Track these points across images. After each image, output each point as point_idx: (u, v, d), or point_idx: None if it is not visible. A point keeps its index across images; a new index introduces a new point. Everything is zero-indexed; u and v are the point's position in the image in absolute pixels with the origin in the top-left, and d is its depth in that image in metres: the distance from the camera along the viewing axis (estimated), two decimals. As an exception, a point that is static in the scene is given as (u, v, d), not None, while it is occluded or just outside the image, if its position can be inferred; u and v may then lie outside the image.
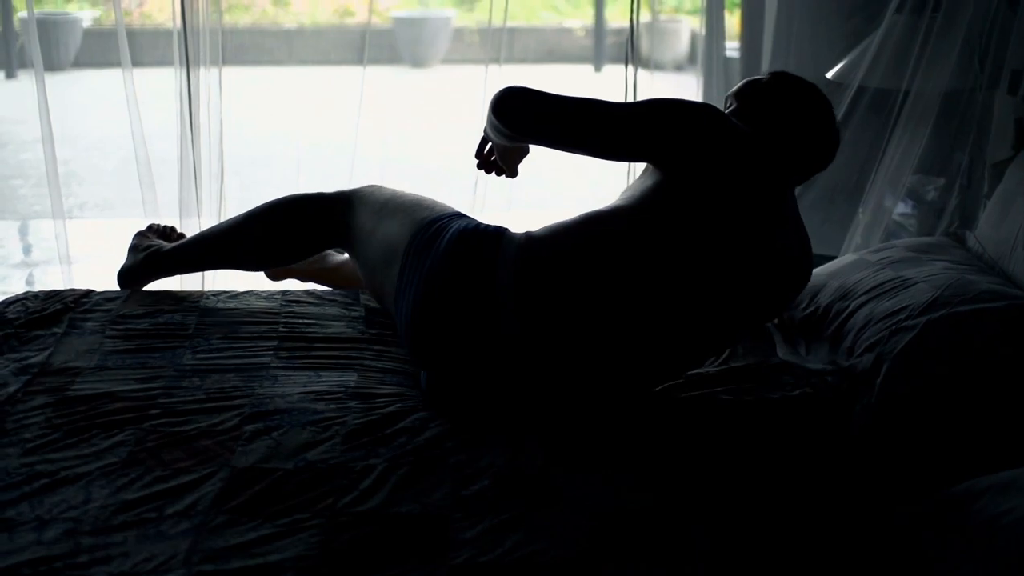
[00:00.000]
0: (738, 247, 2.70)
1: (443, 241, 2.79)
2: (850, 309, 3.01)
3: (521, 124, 2.80)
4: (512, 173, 3.02)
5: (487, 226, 2.84)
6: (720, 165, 2.71)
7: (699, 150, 2.71)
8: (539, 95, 2.77)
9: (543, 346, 2.67)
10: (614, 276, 2.67)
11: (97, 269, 5.36)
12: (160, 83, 5.33)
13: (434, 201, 3.05)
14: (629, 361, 2.72)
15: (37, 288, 5.47)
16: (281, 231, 3.28)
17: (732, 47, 5.41)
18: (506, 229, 2.83)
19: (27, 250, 6.53)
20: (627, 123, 2.77)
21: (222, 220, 4.63)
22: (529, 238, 2.76)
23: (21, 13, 11.36)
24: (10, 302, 3.27)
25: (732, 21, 5.96)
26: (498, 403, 2.71)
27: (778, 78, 2.96)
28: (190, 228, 4.67)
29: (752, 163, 2.76)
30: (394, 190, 3.17)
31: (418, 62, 12.46)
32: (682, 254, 2.67)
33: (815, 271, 3.27)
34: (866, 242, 4.11)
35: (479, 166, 3.05)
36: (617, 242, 2.69)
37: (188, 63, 4.57)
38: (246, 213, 3.35)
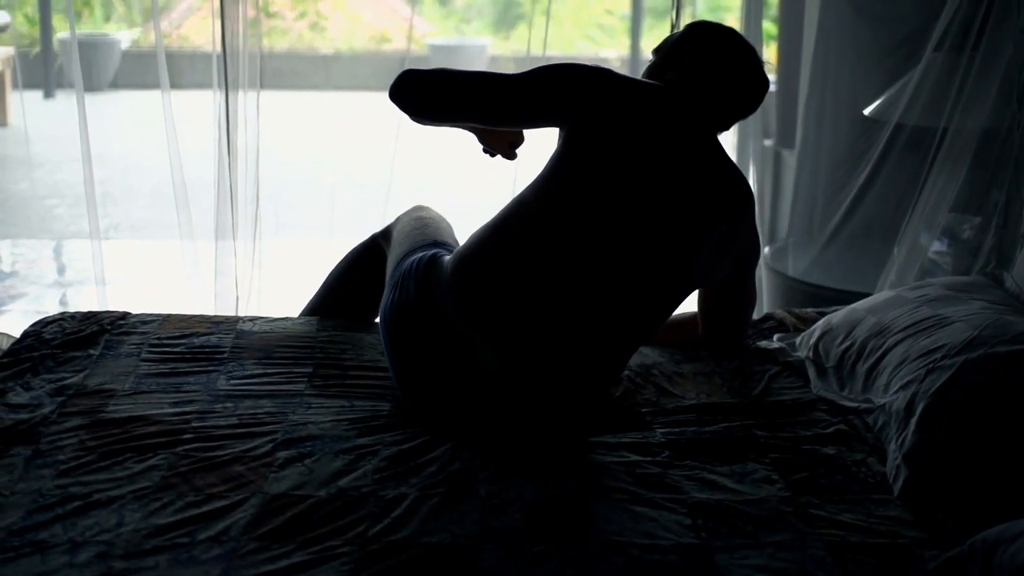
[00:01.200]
0: (654, 198, 2.75)
1: (397, 279, 2.86)
2: (886, 346, 2.99)
3: (417, 106, 2.85)
4: (508, 156, 3.03)
5: (432, 254, 2.87)
6: (617, 120, 2.77)
7: (594, 105, 2.77)
8: (431, 75, 2.83)
9: (502, 349, 2.66)
10: (543, 261, 2.69)
11: (131, 290, 5.38)
12: (196, 105, 5.35)
13: (424, 228, 3.13)
14: (587, 333, 2.71)
15: (70, 308, 5.50)
16: (354, 285, 3.43)
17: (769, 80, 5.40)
18: (442, 255, 2.85)
19: (61, 270, 6.55)
20: (523, 88, 2.82)
21: (257, 243, 4.67)
22: (457, 258, 2.78)
23: (60, 34, 11.44)
24: (47, 322, 3.29)
25: (768, 53, 5.95)
26: (479, 418, 2.70)
27: (692, 27, 3.02)
28: (225, 251, 4.68)
29: (658, 115, 2.81)
30: (409, 216, 3.26)
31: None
32: (599, 215, 2.72)
33: (852, 307, 3.25)
34: (901, 280, 4.10)
35: (484, 151, 3.08)
36: (535, 226, 2.73)
37: (227, 86, 4.59)
38: (332, 273, 3.49)
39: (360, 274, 3.39)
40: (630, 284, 2.73)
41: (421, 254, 2.90)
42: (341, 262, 3.48)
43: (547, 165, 2.82)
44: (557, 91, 2.80)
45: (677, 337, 3.33)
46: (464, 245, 2.81)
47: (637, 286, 2.74)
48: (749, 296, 3.18)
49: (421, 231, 3.12)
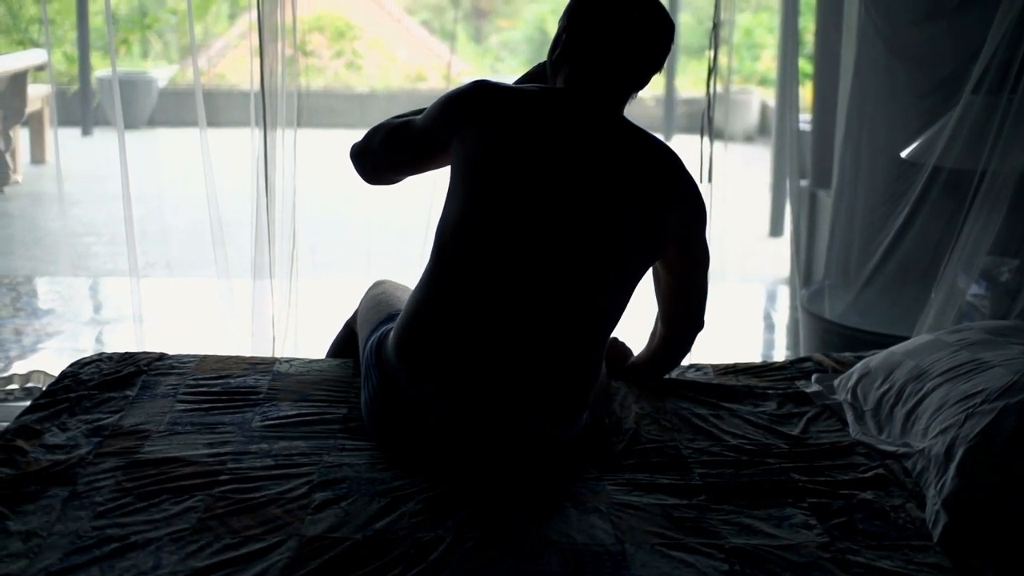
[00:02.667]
0: (569, 201, 2.66)
1: (363, 374, 2.89)
2: (925, 390, 2.97)
3: (367, 179, 3.03)
4: None
5: (380, 334, 2.88)
6: (510, 133, 2.69)
7: (482, 127, 2.71)
8: (356, 149, 2.99)
9: (468, 400, 2.64)
10: (478, 296, 2.66)
11: (168, 328, 5.40)
12: (233, 143, 5.37)
13: (378, 307, 3.14)
14: (543, 353, 2.67)
15: (106, 346, 5.52)
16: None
17: (804, 119, 5.40)
18: (390, 330, 2.83)
19: (97, 308, 6.57)
20: (422, 133, 2.85)
21: (293, 282, 4.68)
22: (398, 327, 2.77)
23: (98, 72, 11.51)
24: (85, 363, 3.30)
25: (804, 93, 5.95)
26: (482, 473, 2.67)
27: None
28: (262, 290, 4.69)
29: (550, 117, 2.72)
30: (366, 299, 3.29)
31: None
32: (520, 233, 2.66)
33: (891, 350, 3.24)
34: (938, 323, 4.07)
35: None
36: (461, 263, 2.69)
37: (265, 124, 4.61)
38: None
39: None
40: (570, 291, 2.68)
41: (373, 338, 2.90)
42: (332, 347, 3.53)
43: (450, 201, 2.76)
44: (442, 125, 2.80)
45: (648, 364, 3.31)
46: (403, 310, 2.79)
47: (577, 291, 2.68)
48: (702, 263, 3.03)
49: (375, 311, 3.12)
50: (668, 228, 2.81)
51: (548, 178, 2.67)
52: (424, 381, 2.67)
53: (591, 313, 2.72)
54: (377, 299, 3.21)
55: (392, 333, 2.78)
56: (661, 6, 2.79)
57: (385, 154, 2.95)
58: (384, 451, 2.76)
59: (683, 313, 3.11)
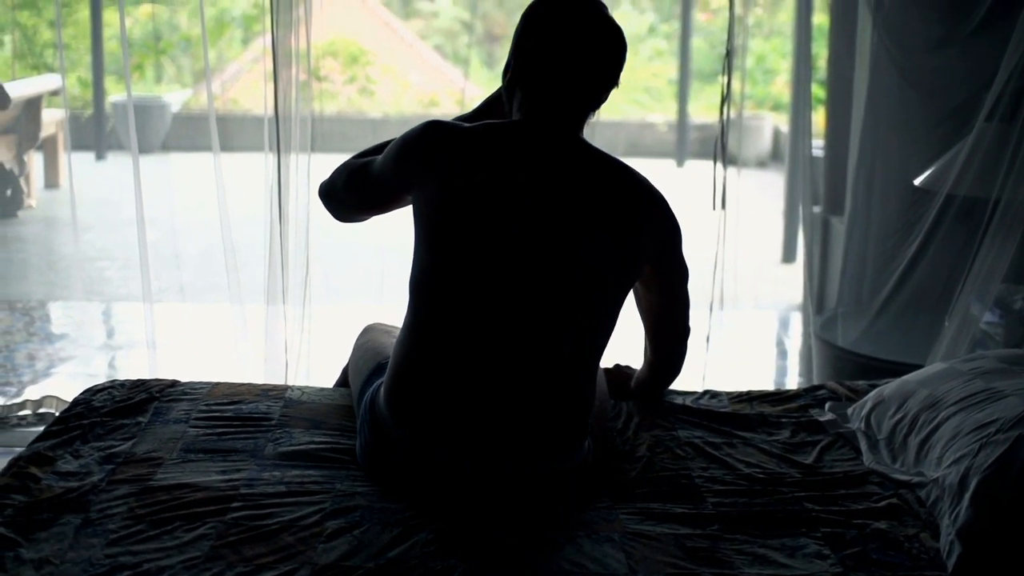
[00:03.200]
0: (537, 234, 2.62)
1: (357, 426, 2.91)
2: (939, 419, 2.96)
3: (333, 214, 3.04)
4: None
5: (372, 391, 2.86)
6: (467, 174, 2.65)
7: (440, 170, 2.67)
8: (323, 190, 3.01)
9: (464, 447, 2.63)
10: (460, 339, 2.65)
11: (181, 353, 5.40)
12: (246, 168, 5.38)
13: (365, 356, 3.14)
14: (532, 388, 2.65)
15: (119, 371, 5.53)
16: None
17: (817, 145, 5.39)
18: (380, 385, 2.82)
19: (110, 333, 6.58)
20: (379, 177, 2.84)
21: (307, 308, 4.69)
22: (387, 385, 2.75)
23: (112, 97, 11.54)
24: (97, 390, 3.30)
25: (816, 119, 5.95)
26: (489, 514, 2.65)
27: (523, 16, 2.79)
28: (275, 315, 4.70)
29: (505, 152, 2.67)
30: (355, 348, 3.30)
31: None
32: (493, 271, 2.63)
33: (904, 378, 3.23)
34: (952, 351, 4.06)
35: None
36: (438, 311, 2.67)
37: (279, 149, 4.62)
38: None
39: None
40: (546, 323, 2.64)
41: (367, 394, 2.89)
42: (337, 383, 3.51)
43: (416, 251, 2.73)
44: (396, 173, 2.79)
45: (647, 382, 3.31)
46: (390, 365, 2.77)
47: (553, 321, 2.65)
48: (683, 285, 2.99)
49: (365, 360, 3.12)
50: (643, 250, 2.76)
51: (502, 213, 2.63)
52: (418, 434, 2.66)
53: (573, 342, 2.69)
54: (365, 348, 3.21)
55: (382, 389, 2.78)
56: (609, 20, 2.73)
57: (348, 197, 2.95)
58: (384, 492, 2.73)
59: (668, 327, 3.09)
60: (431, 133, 2.72)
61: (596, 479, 2.83)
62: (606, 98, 2.80)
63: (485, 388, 2.63)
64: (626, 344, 3.29)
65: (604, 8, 2.75)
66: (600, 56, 2.72)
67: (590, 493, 2.77)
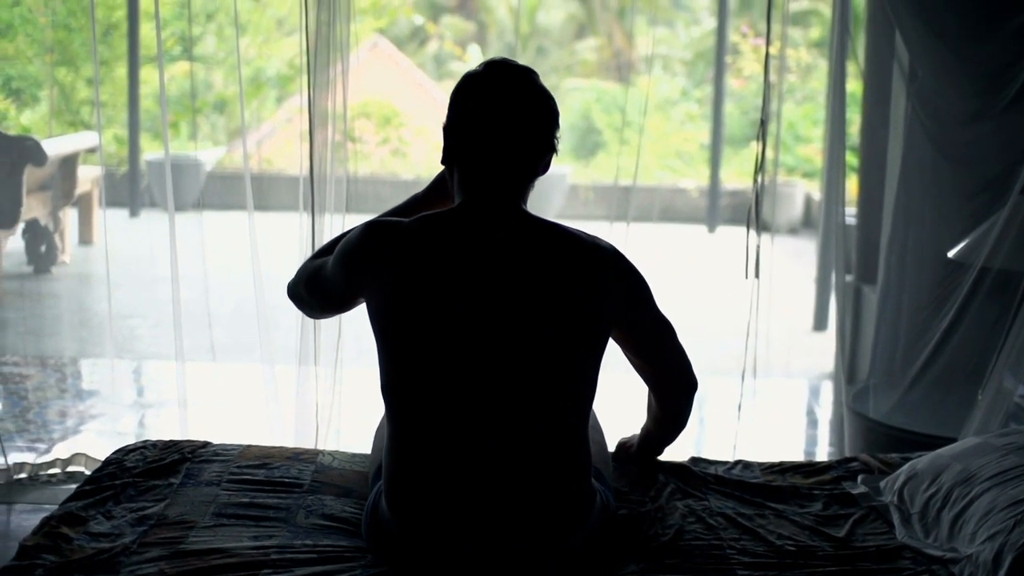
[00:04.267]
0: (497, 313, 2.61)
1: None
2: (973, 494, 2.95)
3: (303, 311, 3.07)
4: None
5: (376, 490, 2.83)
6: (413, 269, 2.64)
7: (386, 269, 2.66)
8: (290, 292, 3.03)
9: (466, 538, 2.62)
10: (445, 436, 2.63)
11: (211, 413, 5.41)
12: (278, 228, 5.41)
13: (372, 463, 3.10)
14: (525, 467, 2.64)
15: (149, 430, 5.54)
16: None
17: (849, 213, 5.39)
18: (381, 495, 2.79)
19: (140, 391, 6.59)
20: (329, 281, 2.85)
21: (338, 369, 4.70)
22: (383, 489, 2.75)
23: (147, 155, 11.64)
24: (129, 450, 3.30)
25: (849, 186, 5.94)
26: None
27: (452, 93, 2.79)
28: (307, 377, 4.71)
29: (446, 239, 2.67)
30: (375, 436, 3.22)
31: (535, 216, 12.50)
32: (467, 358, 2.62)
33: (938, 452, 3.22)
34: (986, 425, 4.04)
35: None
36: (416, 412, 2.66)
37: (314, 209, 4.64)
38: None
39: None
40: (518, 400, 2.62)
41: (370, 500, 2.87)
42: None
43: (379, 356, 2.72)
44: (344, 279, 2.79)
45: (653, 434, 3.25)
46: (383, 474, 2.77)
47: (525, 397, 2.63)
48: (665, 335, 2.94)
49: (372, 462, 3.10)
50: (605, 308, 2.72)
51: (448, 303, 2.62)
52: (417, 532, 2.66)
53: (550, 412, 2.67)
54: (374, 445, 3.17)
55: (382, 496, 2.76)
56: (534, 87, 2.72)
57: (311, 300, 2.96)
58: None
59: (670, 382, 3.02)
60: (368, 238, 2.72)
61: (624, 539, 2.83)
62: (545, 165, 2.78)
63: (474, 478, 2.62)
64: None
65: (532, 75, 2.73)
66: (528, 125, 2.71)
67: (618, 554, 2.76)
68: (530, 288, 2.63)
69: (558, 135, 2.76)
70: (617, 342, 2.88)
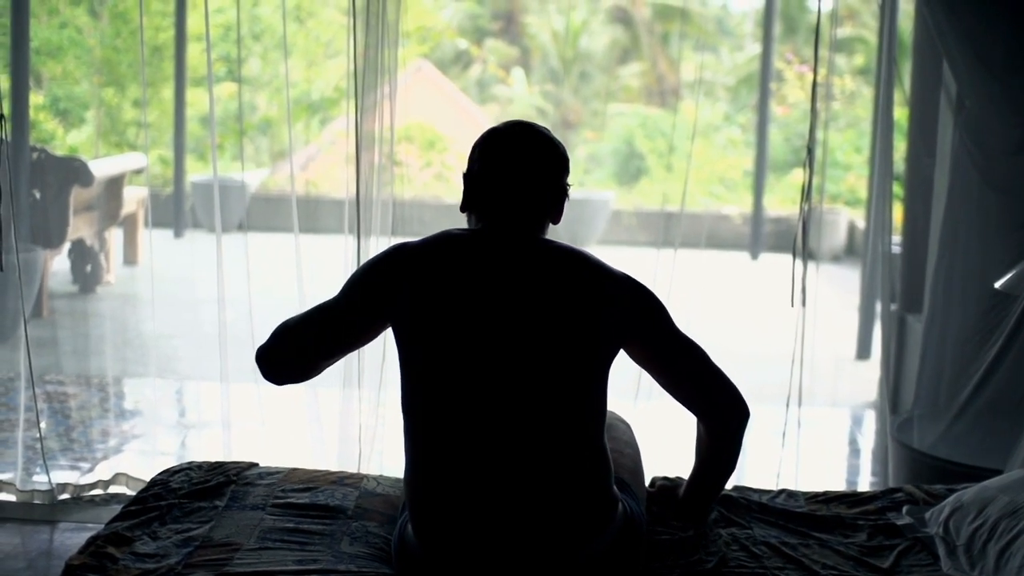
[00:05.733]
0: (516, 330, 2.70)
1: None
2: (1020, 527, 2.93)
3: (272, 374, 2.96)
4: None
5: (403, 519, 2.87)
6: (437, 290, 2.72)
7: (409, 289, 2.74)
8: (271, 342, 2.92)
9: (492, 548, 2.67)
10: (467, 457, 2.68)
11: (253, 435, 5.42)
12: (320, 250, 5.43)
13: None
14: (546, 481, 2.68)
15: (189, 450, 5.56)
16: None
17: (894, 241, 5.37)
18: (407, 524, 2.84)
19: (182, 412, 6.61)
20: (342, 309, 2.85)
21: (382, 392, 4.70)
22: (409, 515, 2.79)
23: (192, 176, 11.71)
24: (175, 471, 3.32)
25: (896, 214, 5.93)
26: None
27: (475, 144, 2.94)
28: (350, 399, 4.72)
29: (467, 262, 2.76)
30: None
31: (575, 242, 12.50)
32: (457, 375, 2.70)
33: (984, 484, 3.20)
34: (1032, 456, 4.03)
35: None
36: (439, 437, 2.72)
37: (359, 232, 4.66)
38: None
39: None
40: (533, 412, 2.69)
41: (398, 527, 2.90)
42: None
43: (402, 378, 2.79)
44: (365, 296, 2.82)
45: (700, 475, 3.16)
46: (405, 498, 2.82)
47: (540, 410, 2.70)
48: (691, 352, 2.92)
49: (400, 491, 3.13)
50: (611, 326, 2.77)
51: (468, 317, 2.71)
52: (448, 562, 2.70)
53: (567, 423, 2.72)
54: None
55: (408, 522, 2.81)
56: (545, 136, 2.88)
57: (298, 345, 2.89)
58: None
59: (704, 404, 2.97)
60: (394, 256, 2.82)
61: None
62: (559, 211, 2.93)
63: (493, 492, 2.66)
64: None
65: (542, 130, 2.90)
66: (536, 167, 2.86)
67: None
68: (539, 303, 2.72)
69: (568, 180, 2.93)
70: (640, 362, 2.92)
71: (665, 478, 3.42)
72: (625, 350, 2.84)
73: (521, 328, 2.70)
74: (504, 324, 2.70)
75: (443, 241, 2.80)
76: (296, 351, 2.89)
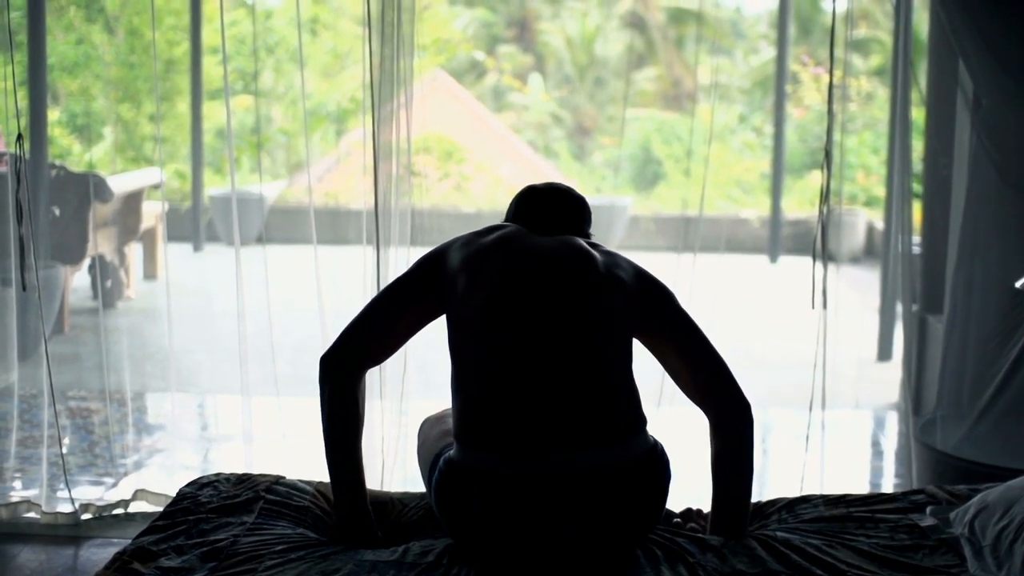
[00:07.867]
0: (554, 313, 2.98)
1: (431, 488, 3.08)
2: (1046, 527, 2.92)
3: (334, 370, 3.21)
4: None
5: (443, 459, 3.02)
6: (483, 263, 3.04)
7: (461, 267, 3.06)
8: (335, 349, 3.20)
9: (533, 509, 2.84)
10: (500, 378, 2.95)
11: (275, 448, 5.43)
12: (339, 261, 5.43)
13: (429, 445, 3.27)
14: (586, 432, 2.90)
15: (212, 464, 5.56)
16: None
17: (913, 242, 5.35)
18: (446, 451, 3.05)
19: (204, 425, 6.62)
20: (402, 282, 3.17)
21: (403, 403, 4.71)
22: (454, 430, 3.01)
23: (209, 189, 11.73)
24: (203, 484, 3.31)
25: (915, 213, 5.91)
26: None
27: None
28: (372, 410, 4.71)
29: (506, 240, 3.09)
30: (419, 444, 3.42)
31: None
32: (509, 320, 2.98)
33: (1009, 484, 3.19)
34: (1056, 455, 4.02)
35: None
36: (474, 364, 3.01)
37: (378, 242, 4.67)
38: None
39: None
40: (573, 350, 2.95)
41: (435, 476, 3.04)
42: None
43: (454, 336, 3.05)
44: (428, 268, 3.13)
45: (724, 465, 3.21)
46: (454, 420, 3.03)
47: (579, 348, 2.96)
48: (690, 343, 3.14)
49: (429, 451, 3.23)
50: (622, 308, 3.06)
51: (518, 278, 3.02)
52: (492, 456, 2.90)
53: (598, 360, 2.98)
54: (423, 436, 3.38)
55: (452, 444, 3.01)
56: (574, 192, 3.31)
57: (366, 325, 3.14)
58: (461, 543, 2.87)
59: (710, 392, 3.12)
60: (454, 244, 3.13)
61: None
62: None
63: (537, 407, 2.91)
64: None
65: (570, 188, 3.33)
66: (567, 215, 3.26)
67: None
68: (565, 276, 3.04)
69: (590, 230, 3.33)
70: (656, 350, 3.16)
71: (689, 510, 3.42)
72: (637, 328, 3.10)
73: (548, 289, 3.00)
74: (544, 276, 3.01)
75: (491, 228, 3.15)
76: (354, 338, 3.16)
